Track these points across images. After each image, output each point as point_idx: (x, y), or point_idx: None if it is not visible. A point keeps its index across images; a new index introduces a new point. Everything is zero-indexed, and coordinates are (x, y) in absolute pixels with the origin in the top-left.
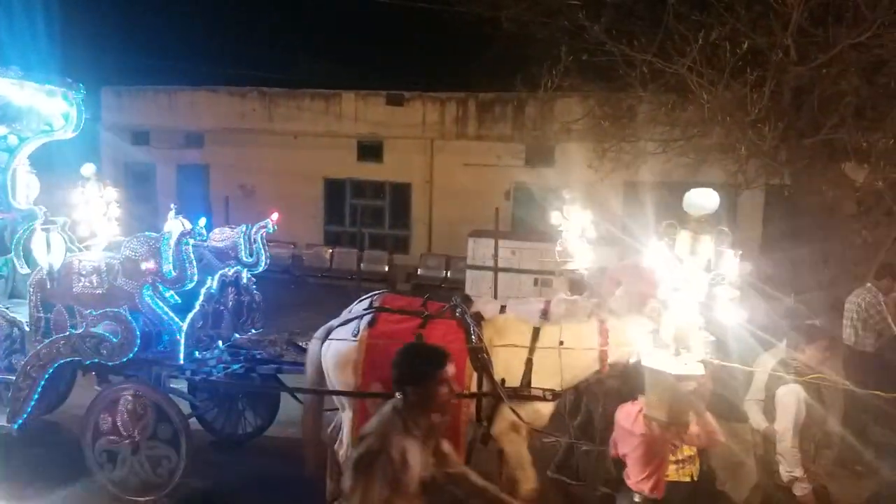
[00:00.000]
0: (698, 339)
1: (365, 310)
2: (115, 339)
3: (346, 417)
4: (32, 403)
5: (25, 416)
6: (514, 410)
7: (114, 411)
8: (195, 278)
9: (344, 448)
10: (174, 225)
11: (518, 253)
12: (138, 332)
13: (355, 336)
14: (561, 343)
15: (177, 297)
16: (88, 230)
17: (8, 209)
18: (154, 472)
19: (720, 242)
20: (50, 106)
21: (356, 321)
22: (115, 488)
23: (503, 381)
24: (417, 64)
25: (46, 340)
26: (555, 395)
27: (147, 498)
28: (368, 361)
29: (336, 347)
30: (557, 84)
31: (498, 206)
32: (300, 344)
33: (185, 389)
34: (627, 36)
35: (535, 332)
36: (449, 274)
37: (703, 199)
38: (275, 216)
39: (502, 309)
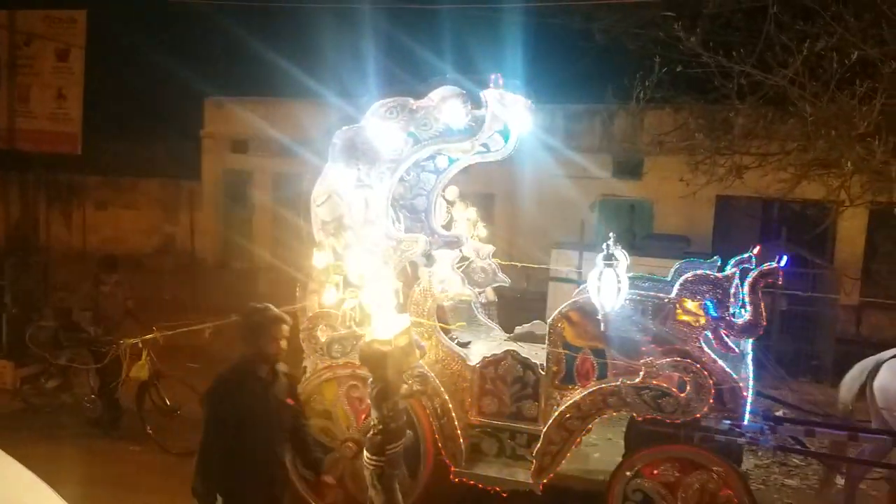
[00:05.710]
0: None
1: None
2: (681, 393)
3: None
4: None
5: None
6: None
7: (673, 485)
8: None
9: None
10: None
11: None
12: (712, 388)
13: None
14: None
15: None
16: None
17: (430, 234)
18: None
19: None
20: (491, 123)
21: None
22: None
23: None
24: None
25: (591, 387)
26: None
27: None
28: None
29: None
30: (649, 96)
31: (583, 218)
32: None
33: None
34: (724, 47)
35: None
36: (528, 286)
37: None
38: (755, 249)
39: None
